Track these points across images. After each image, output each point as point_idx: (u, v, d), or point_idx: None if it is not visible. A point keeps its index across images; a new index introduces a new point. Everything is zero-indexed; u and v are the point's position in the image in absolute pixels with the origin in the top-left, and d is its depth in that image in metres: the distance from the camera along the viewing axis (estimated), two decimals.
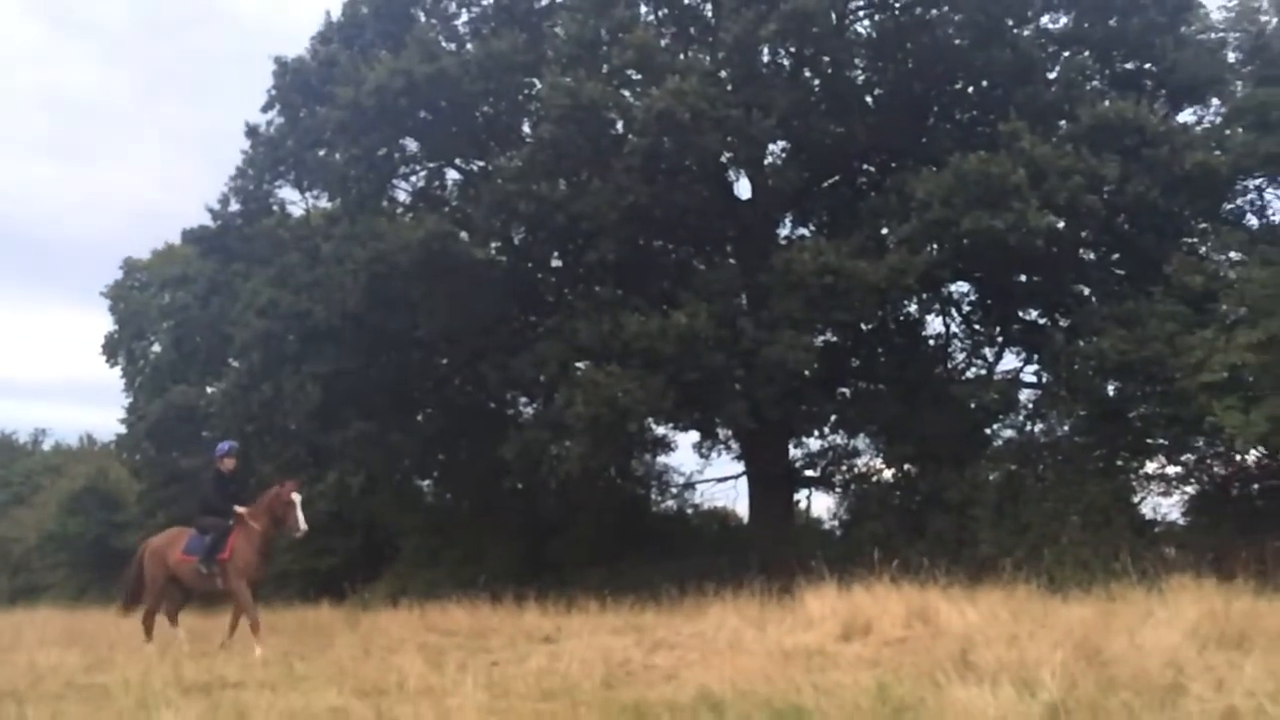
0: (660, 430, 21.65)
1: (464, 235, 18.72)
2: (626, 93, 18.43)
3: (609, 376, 16.63)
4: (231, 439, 15.23)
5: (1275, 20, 16.41)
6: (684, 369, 17.02)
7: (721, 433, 21.84)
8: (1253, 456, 16.66)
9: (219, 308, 24.36)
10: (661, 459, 23.60)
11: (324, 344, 19.63)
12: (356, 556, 25.67)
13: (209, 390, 27.23)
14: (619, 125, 18.37)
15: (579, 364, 18.04)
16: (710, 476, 23.30)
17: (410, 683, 7.88)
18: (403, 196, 21.67)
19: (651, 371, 16.83)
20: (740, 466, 21.79)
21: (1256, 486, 16.98)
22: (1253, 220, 17.31)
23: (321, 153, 20.47)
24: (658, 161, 17.60)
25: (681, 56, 18.91)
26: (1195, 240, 17.06)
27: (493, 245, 19.29)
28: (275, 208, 21.76)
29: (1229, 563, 13.95)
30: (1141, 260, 17.32)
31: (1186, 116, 18.16)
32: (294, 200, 22.03)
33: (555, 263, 20.68)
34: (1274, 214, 16.98)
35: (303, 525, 12.43)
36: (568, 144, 17.56)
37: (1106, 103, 17.05)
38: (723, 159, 19.37)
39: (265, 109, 21.04)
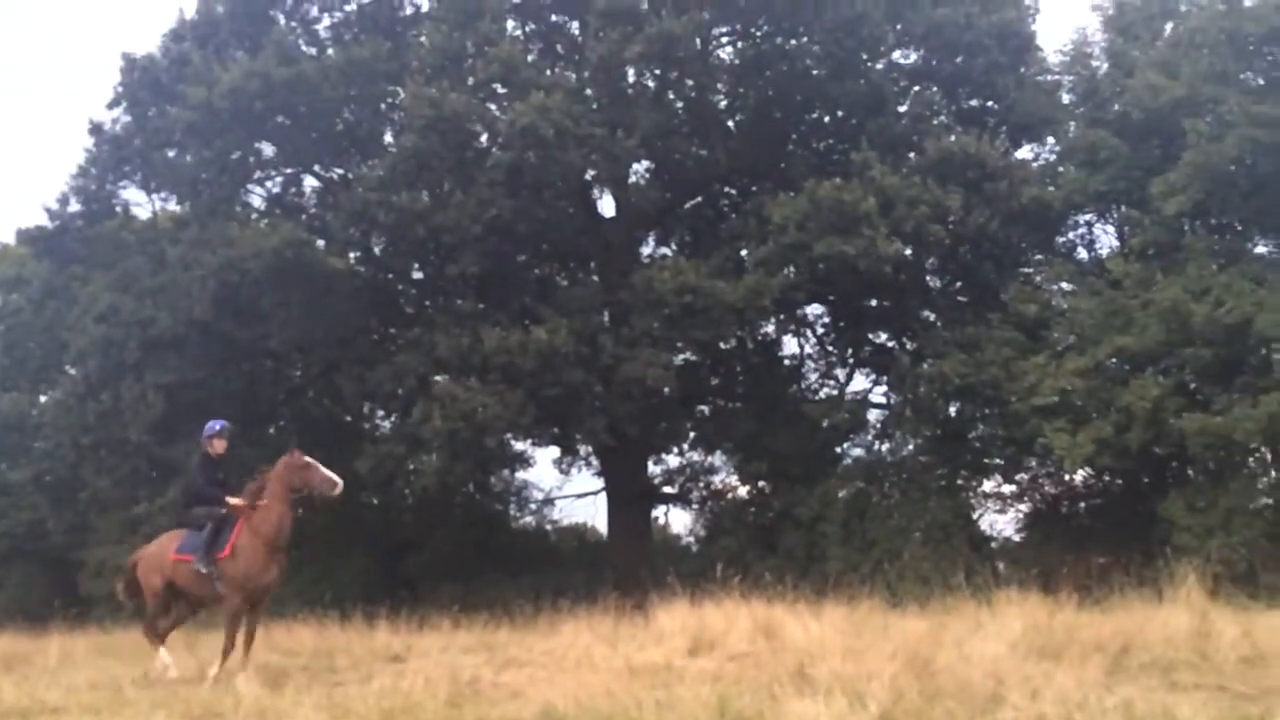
0: (519, 446, 21.53)
1: (321, 244, 18.31)
2: (492, 106, 18.41)
3: (468, 391, 16.51)
4: (68, 450, 14.13)
5: (1105, 66, 17.51)
6: (544, 384, 17.03)
7: (582, 449, 21.87)
8: (1080, 476, 17.65)
9: (54, 312, 23.12)
10: (520, 475, 23.46)
11: (168, 353, 18.80)
12: None
13: (41, 399, 25.76)
14: (483, 138, 18.33)
15: (438, 378, 17.83)
16: (570, 492, 23.29)
17: (245, 706, 7.60)
18: (257, 202, 21.08)
19: (511, 386, 16.78)
20: (600, 482, 21.87)
21: (1083, 505, 17.99)
22: (1083, 253, 18.42)
23: (171, 154, 19.68)
24: (521, 176, 17.58)
25: (548, 73, 18.99)
26: (1031, 270, 18.01)
27: (351, 255, 18.93)
28: (119, 209, 20.78)
29: (1056, 577, 14.74)
30: (982, 288, 18.20)
31: (1025, 153, 19.24)
32: (139, 202, 21.11)
33: (416, 275, 20.39)
34: (1102, 248, 18.10)
35: (336, 479, 10.32)
36: (430, 155, 17.40)
37: (953, 137, 17.86)
38: (587, 176, 19.52)
39: (111, 106, 20.12)
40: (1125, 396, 15.01)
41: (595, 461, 21.96)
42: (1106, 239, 18.09)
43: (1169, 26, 17.33)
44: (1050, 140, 18.84)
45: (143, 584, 11.10)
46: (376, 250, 19.64)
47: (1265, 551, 13.71)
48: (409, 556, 21.48)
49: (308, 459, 10.42)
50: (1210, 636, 8.21)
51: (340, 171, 20.47)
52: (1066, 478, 17.74)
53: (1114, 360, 15.62)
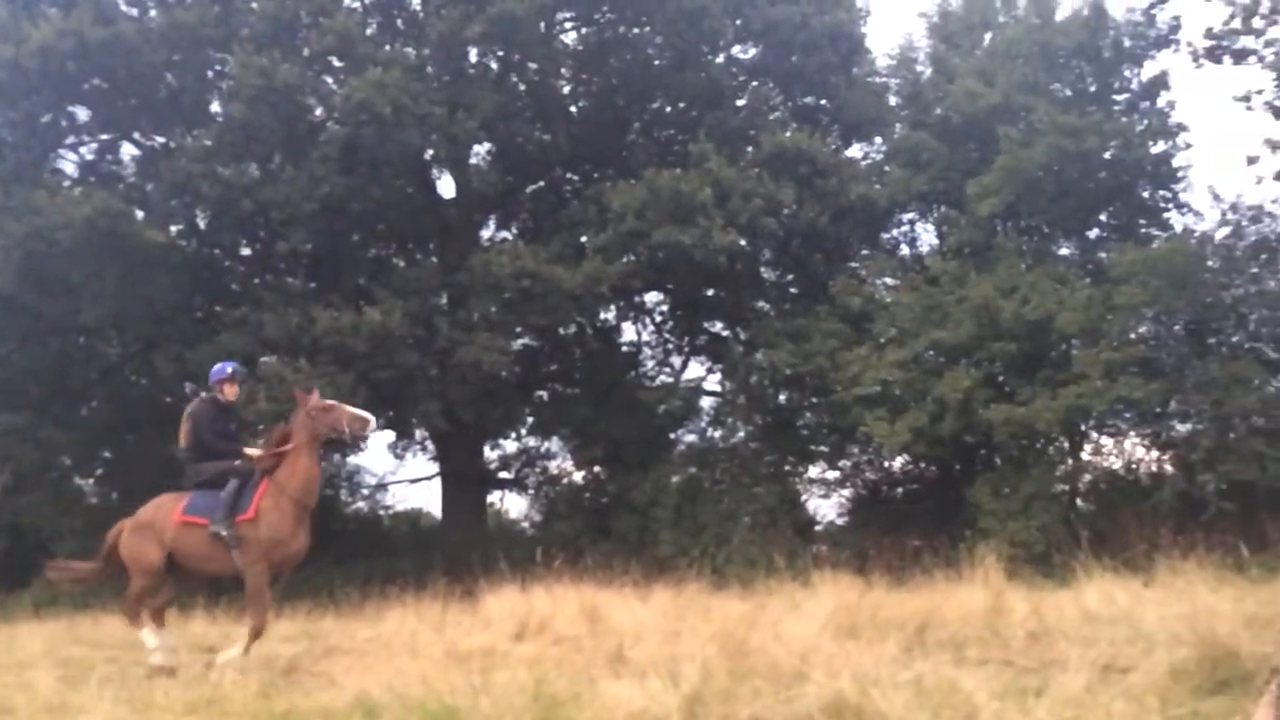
0: None
1: (140, 215, 17.38)
2: (328, 79, 17.86)
3: (296, 372, 15.99)
4: None
5: (929, 71, 18.33)
6: (377, 367, 16.69)
7: (417, 433, 21.55)
8: (898, 463, 18.49)
9: None
10: (352, 459, 22.91)
11: None
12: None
13: None
14: (317, 112, 17.76)
15: (264, 359, 17.21)
16: (404, 477, 22.92)
17: (40, 700, 7.20)
18: (69, 169, 19.77)
19: (342, 369, 16.37)
20: (435, 467, 21.61)
21: (900, 490, 18.85)
22: (906, 250, 19.26)
23: None
24: (357, 153, 17.13)
25: (387, 48, 18.51)
26: (857, 265, 18.69)
27: (173, 228, 18.04)
28: None
29: (873, 559, 15.47)
30: (812, 281, 18.82)
31: (854, 151, 20.00)
32: None
33: (243, 251, 19.63)
34: (923, 246, 18.95)
35: (366, 415, 9.09)
36: (259, 127, 16.77)
37: (788, 134, 18.36)
38: (425, 156, 19.19)
39: None
40: (940, 387, 15.78)
41: (431, 446, 21.68)
42: (927, 237, 19.02)
43: (988, 36, 18.27)
44: (878, 140, 19.67)
45: (132, 557, 9.26)
46: (200, 224, 18.79)
47: (1060, 534, 14.66)
48: None
49: (327, 400, 9.30)
50: (1003, 614, 8.74)
51: (162, 140, 19.41)
52: (886, 464, 18.55)
53: (930, 353, 16.39)
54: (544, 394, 21.32)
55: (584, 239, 18.52)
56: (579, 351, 21.18)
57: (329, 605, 13.81)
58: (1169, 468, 15.49)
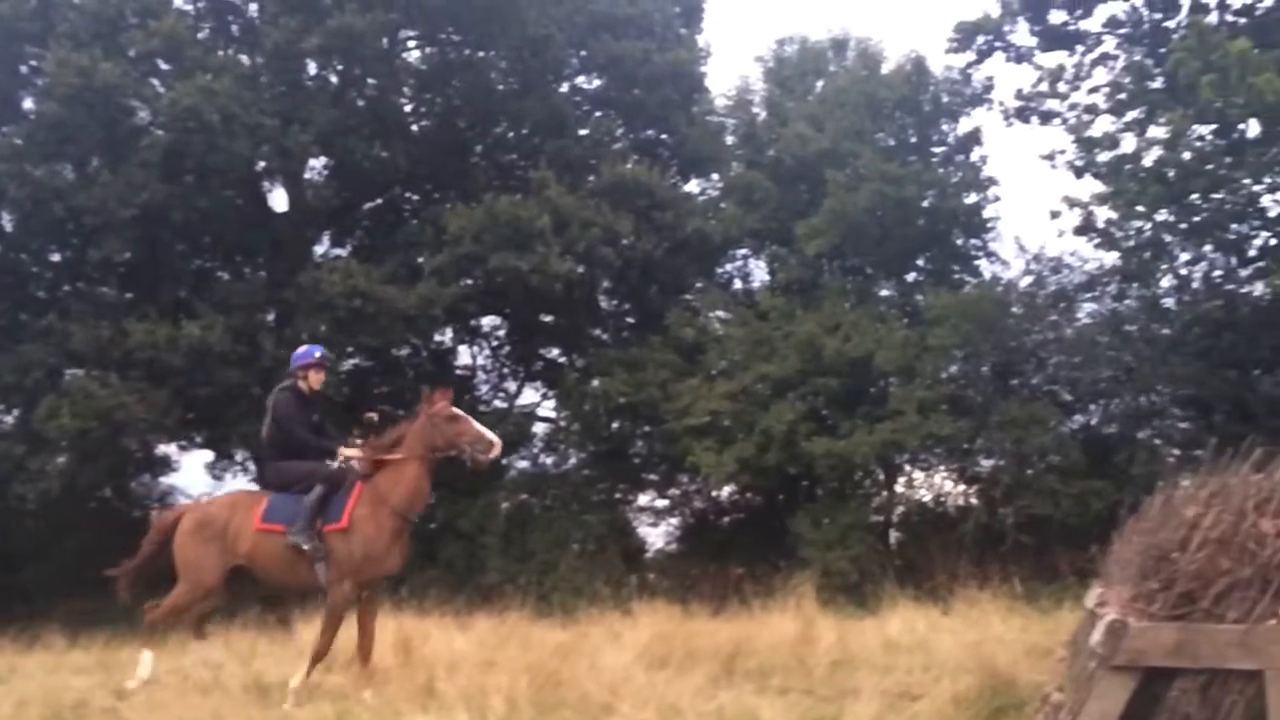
0: (165, 448, 20.02)
1: None
2: (155, 81, 17.13)
3: (105, 387, 15.20)
4: None
5: (764, 114, 18.96)
6: (194, 384, 16.02)
7: (237, 453, 20.70)
8: (726, 492, 18.88)
9: None
10: (166, 479, 21.79)
11: None
12: None
13: None
14: (140, 115, 17.00)
15: (70, 371, 16.27)
16: None
17: None
18: None
19: (156, 384, 15.64)
20: (255, 489, 20.73)
21: (727, 519, 19.24)
22: (739, 284, 19.74)
23: None
24: (181, 160, 16.50)
25: (220, 54, 17.92)
26: (692, 298, 19.05)
27: None
28: None
29: (698, 588, 15.76)
30: (647, 311, 19.09)
31: (692, 186, 20.41)
32: None
33: (54, 257, 18.51)
34: (754, 281, 19.49)
35: (493, 438, 7.94)
36: (76, 127, 15.93)
37: (629, 165, 18.67)
38: (257, 167, 18.59)
39: None
40: (766, 420, 16.22)
41: (252, 467, 20.85)
42: (759, 273, 19.53)
43: (819, 84, 19.05)
44: (715, 177, 20.12)
45: (188, 563, 7.99)
46: (6, 226, 17.67)
47: (873, 564, 15.27)
48: (29, 567, 19.36)
49: (456, 409, 8.10)
50: (810, 643, 9.02)
51: None
52: (714, 493, 18.90)
53: (759, 386, 16.83)
54: (374, 416, 20.79)
55: (420, 260, 18.29)
56: (412, 373, 20.79)
57: (129, 634, 13.08)
58: (974, 501, 16.31)
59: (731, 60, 53.18)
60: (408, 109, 20.30)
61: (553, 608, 14.71)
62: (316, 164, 19.86)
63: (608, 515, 18.11)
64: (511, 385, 21.41)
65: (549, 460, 19.36)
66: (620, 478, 19.02)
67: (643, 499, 19.43)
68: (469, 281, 17.84)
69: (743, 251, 19.63)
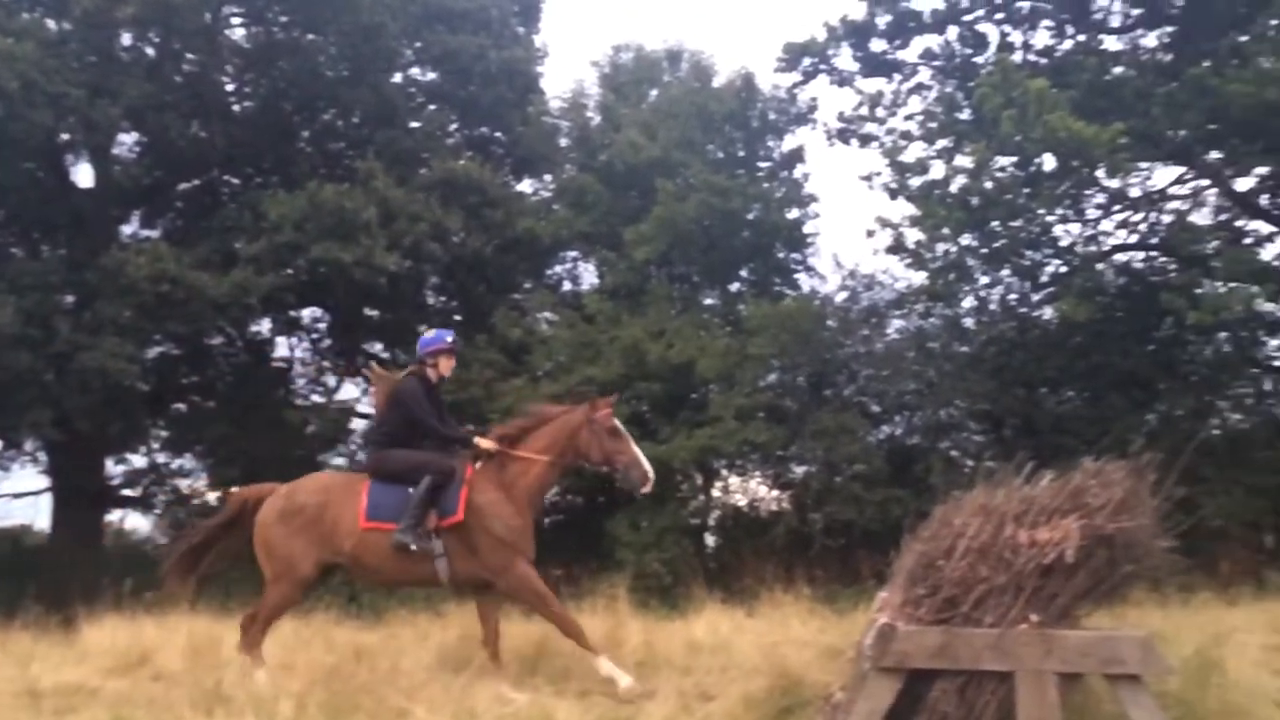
0: None
1: None
2: None
3: None
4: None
5: (598, 118, 19.10)
6: None
7: (27, 443, 19.36)
8: (551, 492, 18.83)
9: None
10: None
11: None
12: None
13: None
14: None
15: None
16: (7, 491, 20.46)
17: None
18: None
19: None
20: (46, 481, 19.48)
21: (547, 520, 19.20)
22: (568, 286, 19.79)
23: None
24: None
25: (25, 16, 16.72)
26: (520, 297, 18.98)
27: None
28: None
29: None
30: (474, 309, 18.91)
31: (524, 186, 20.35)
32: None
33: None
34: (583, 284, 19.57)
35: (649, 469, 7.31)
36: None
37: (461, 161, 18.45)
38: (60, 139, 17.45)
39: None
40: None
41: (43, 458, 19.57)
42: (588, 276, 19.64)
43: (653, 93, 19.33)
44: (547, 178, 20.10)
45: (278, 558, 7.32)
46: None
47: (686, 567, 15.55)
48: None
49: (620, 425, 7.44)
50: (617, 644, 9.11)
51: None
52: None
53: (583, 388, 16.89)
54: (182, 407, 19.89)
55: (237, 246, 17.56)
56: (224, 364, 19.97)
57: None
58: (786, 506, 16.86)
59: (567, 63, 53.37)
60: (230, 88, 19.48)
61: (362, 609, 14.35)
62: (127, 140, 18.84)
63: None
64: (331, 379, 20.83)
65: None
66: None
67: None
68: (289, 271, 17.26)
69: (572, 254, 19.71)
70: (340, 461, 18.84)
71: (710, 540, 17.62)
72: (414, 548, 7.01)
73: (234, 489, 8.26)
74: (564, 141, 19.74)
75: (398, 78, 19.54)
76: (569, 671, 7.73)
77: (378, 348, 20.69)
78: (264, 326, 20.31)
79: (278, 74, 18.87)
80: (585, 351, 16.99)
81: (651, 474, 7.35)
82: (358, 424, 19.28)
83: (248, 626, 7.63)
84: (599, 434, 7.30)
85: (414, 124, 19.41)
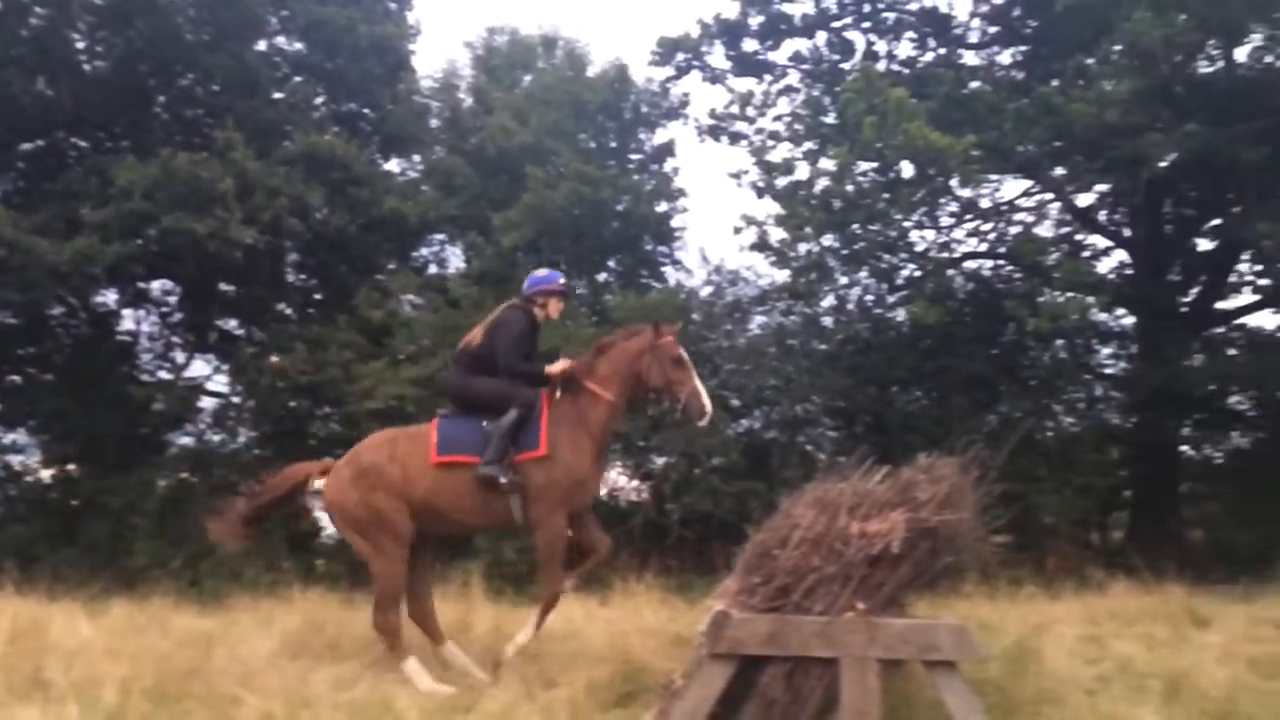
0: None
1: None
2: None
3: None
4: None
5: (470, 101, 18.86)
6: None
7: None
8: None
9: None
10: None
11: None
12: None
13: None
14: None
15: None
16: None
17: None
18: None
19: None
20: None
21: None
22: (434, 269, 19.48)
23: None
24: None
25: None
26: (383, 279, 18.59)
27: None
28: None
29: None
30: (335, 289, 18.44)
31: (392, 165, 19.90)
32: None
33: None
34: (450, 268, 19.30)
35: (707, 402, 7.03)
36: None
37: (328, 136, 17.94)
38: None
39: None
40: (449, 408, 16.07)
41: None
42: (455, 259, 19.37)
43: (527, 78, 19.20)
44: (416, 158, 19.74)
45: (372, 523, 6.98)
46: None
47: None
48: None
49: (683, 351, 7.11)
50: (466, 630, 9.08)
51: None
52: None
53: (445, 373, 16.68)
54: (17, 379, 18.80)
55: (82, 212, 16.68)
56: (65, 335, 18.94)
57: None
58: (645, 496, 17.02)
59: (440, 42, 52.43)
60: (80, 46, 18.42)
61: (204, 594, 13.90)
62: None
63: None
64: (180, 355, 19.97)
65: (217, 438, 18.23)
66: (295, 459, 18.15)
67: (318, 483, 18.67)
68: (138, 241, 16.50)
69: (439, 236, 19.40)
70: (187, 440, 18.16)
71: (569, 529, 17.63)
72: (504, 480, 6.72)
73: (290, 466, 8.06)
74: (434, 122, 19.41)
75: (262, 46, 18.81)
76: (420, 657, 7.64)
77: (232, 324, 19.98)
78: (109, 298, 19.34)
79: (134, 34, 17.95)
80: (449, 336, 16.73)
81: (710, 407, 7.16)
82: (207, 402, 18.60)
83: (380, 625, 7.16)
84: (662, 360, 7.08)
85: (277, 95, 18.75)
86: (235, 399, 18.37)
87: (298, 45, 19.29)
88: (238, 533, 7.89)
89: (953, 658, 4.50)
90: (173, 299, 19.98)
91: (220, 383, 19.31)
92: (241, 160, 16.12)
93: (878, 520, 4.71)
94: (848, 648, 4.50)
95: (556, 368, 7.16)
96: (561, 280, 7.62)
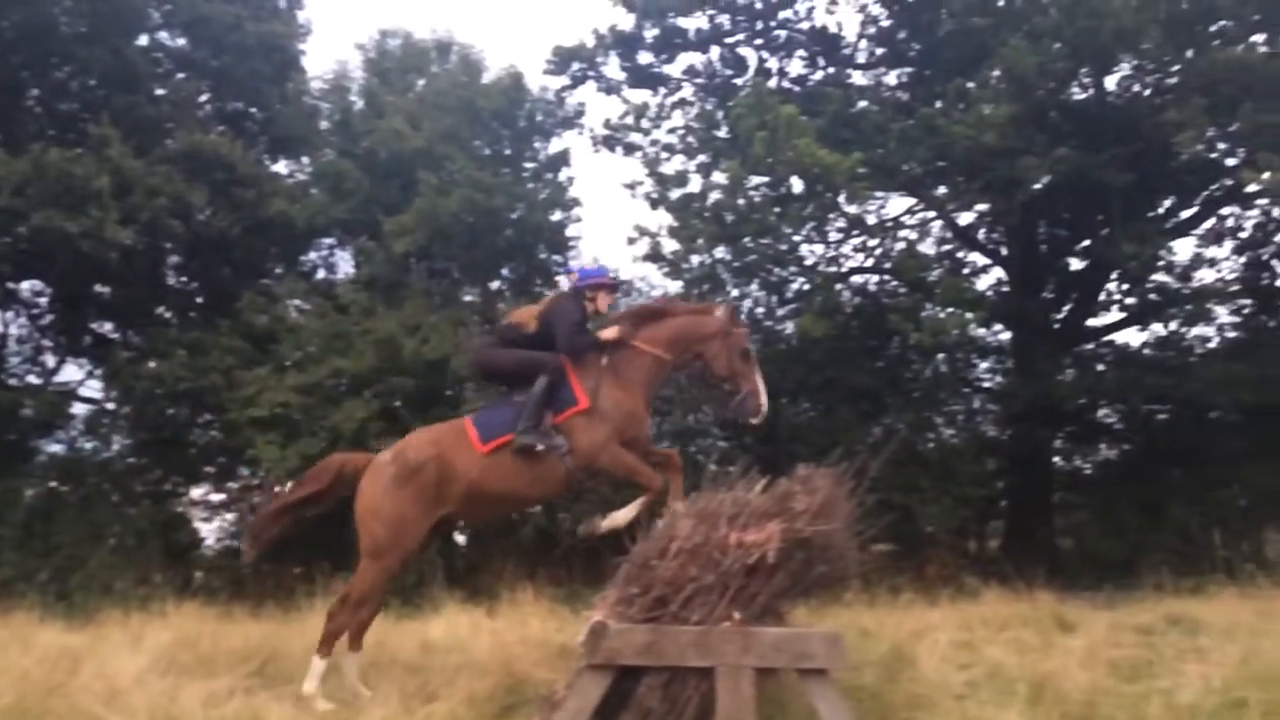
0: None
1: None
2: None
3: None
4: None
5: (361, 104, 18.52)
6: None
7: None
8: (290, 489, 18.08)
9: None
10: None
11: None
12: None
13: None
14: None
15: None
16: None
17: None
18: None
19: None
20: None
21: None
22: (322, 274, 19.06)
23: None
24: None
25: None
26: (269, 283, 18.11)
27: None
28: None
29: (250, 587, 15.02)
30: (218, 293, 17.89)
31: (280, 167, 19.40)
32: None
33: None
34: (339, 273, 18.92)
35: (764, 402, 7.08)
36: None
37: (212, 136, 17.40)
38: None
39: None
40: (337, 416, 15.80)
41: None
42: (344, 265, 18.98)
43: (420, 82, 18.93)
44: (305, 160, 19.27)
45: (387, 522, 6.77)
46: None
47: (433, 565, 15.32)
48: None
49: (750, 344, 7.18)
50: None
51: None
52: (277, 489, 18.06)
53: (332, 380, 16.37)
54: None
55: None
56: None
57: None
58: (538, 507, 16.92)
59: (331, 43, 51.42)
60: None
61: (73, 609, 13.33)
62: None
63: (154, 508, 16.73)
64: (51, 359, 19.11)
65: (89, 445, 17.50)
66: (173, 468, 17.64)
67: (197, 492, 18.15)
68: (6, 239, 15.80)
69: (329, 241, 18.98)
70: (57, 448, 17.41)
71: (461, 539, 17.44)
72: (540, 447, 6.71)
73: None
74: (324, 124, 18.95)
75: (143, 41, 18.18)
76: (301, 672, 7.47)
77: (107, 327, 19.22)
78: None
79: (6, 25, 17.14)
80: (336, 343, 16.44)
81: (766, 409, 7.25)
82: (80, 408, 17.84)
83: (336, 613, 7.10)
84: (732, 349, 7.14)
85: (160, 91, 18.09)
86: (110, 405, 17.69)
87: (181, 41, 18.68)
88: (265, 538, 7.61)
89: (825, 665, 4.59)
90: (43, 300, 19.12)
91: (94, 388, 18.58)
92: (118, 158, 15.53)
93: (755, 531, 4.79)
94: (723, 657, 4.56)
95: (609, 333, 7.16)
96: (611, 274, 7.81)
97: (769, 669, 4.70)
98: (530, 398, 6.80)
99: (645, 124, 17.08)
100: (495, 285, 18.28)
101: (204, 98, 18.86)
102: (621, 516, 6.88)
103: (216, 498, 18.22)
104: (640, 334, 7.16)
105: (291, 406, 15.95)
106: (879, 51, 17.29)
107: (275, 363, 16.57)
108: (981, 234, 17.72)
